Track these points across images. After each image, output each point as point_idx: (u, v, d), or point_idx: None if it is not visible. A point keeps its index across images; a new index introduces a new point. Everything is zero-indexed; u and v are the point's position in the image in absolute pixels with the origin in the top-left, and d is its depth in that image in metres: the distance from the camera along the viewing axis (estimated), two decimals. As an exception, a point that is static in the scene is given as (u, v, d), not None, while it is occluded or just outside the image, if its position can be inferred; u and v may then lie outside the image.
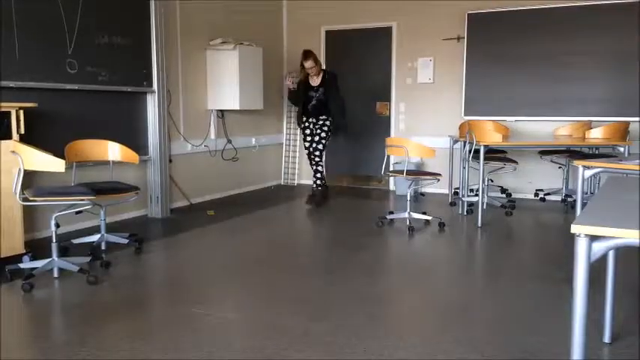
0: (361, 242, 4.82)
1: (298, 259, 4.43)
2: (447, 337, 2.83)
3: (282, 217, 5.94)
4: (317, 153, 6.48)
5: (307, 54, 6.29)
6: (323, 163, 6.64)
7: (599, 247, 1.59)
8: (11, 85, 4.30)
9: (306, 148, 6.66)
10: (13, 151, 3.56)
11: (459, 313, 3.20)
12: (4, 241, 3.88)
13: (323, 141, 6.47)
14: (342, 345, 2.71)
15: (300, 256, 4.55)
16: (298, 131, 8.20)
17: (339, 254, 4.54)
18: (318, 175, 6.58)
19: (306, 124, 6.59)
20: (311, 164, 6.60)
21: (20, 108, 3.93)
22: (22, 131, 3.93)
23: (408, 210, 5.34)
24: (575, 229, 1.56)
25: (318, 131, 6.49)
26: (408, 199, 5.40)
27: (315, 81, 6.43)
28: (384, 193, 7.56)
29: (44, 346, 2.71)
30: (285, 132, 8.27)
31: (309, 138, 6.58)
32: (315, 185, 6.63)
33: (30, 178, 4.24)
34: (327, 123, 6.48)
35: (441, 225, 5.35)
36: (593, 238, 1.58)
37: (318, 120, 6.48)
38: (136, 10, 5.45)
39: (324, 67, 6.86)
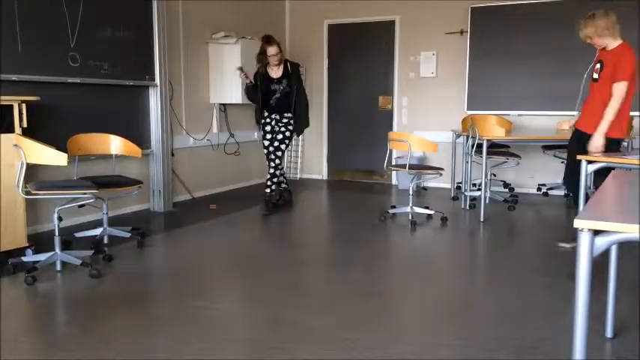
0: (364, 237, 4.82)
1: (301, 253, 4.43)
2: (450, 332, 2.84)
3: (284, 210, 5.93)
4: (279, 154, 5.68)
5: (270, 39, 5.47)
6: (284, 166, 6.12)
7: (601, 242, 1.59)
8: (14, 79, 4.30)
9: (265, 147, 5.81)
10: (16, 145, 3.56)
11: (462, 308, 3.20)
12: (6, 235, 3.89)
13: (287, 141, 5.71)
14: (345, 339, 2.71)
15: (303, 250, 4.55)
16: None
17: (341, 248, 4.55)
18: (276, 179, 5.78)
19: (267, 120, 5.77)
20: (269, 166, 5.76)
21: (23, 101, 3.93)
22: (25, 125, 3.92)
23: (411, 204, 5.34)
24: (578, 223, 1.56)
25: (282, 129, 5.70)
26: (411, 193, 5.39)
27: (276, 72, 5.61)
28: (387, 188, 7.56)
29: (47, 339, 2.72)
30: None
31: (269, 136, 5.78)
32: (269, 191, 5.75)
33: (32, 172, 4.24)
34: (291, 121, 5.77)
35: (444, 219, 5.34)
36: (596, 233, 1.58)
37: (282, 117, 5.71)
38: (139, 3, 5.44)
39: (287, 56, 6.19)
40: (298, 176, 8.22)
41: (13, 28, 4.29)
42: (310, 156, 8.29)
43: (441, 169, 5.46)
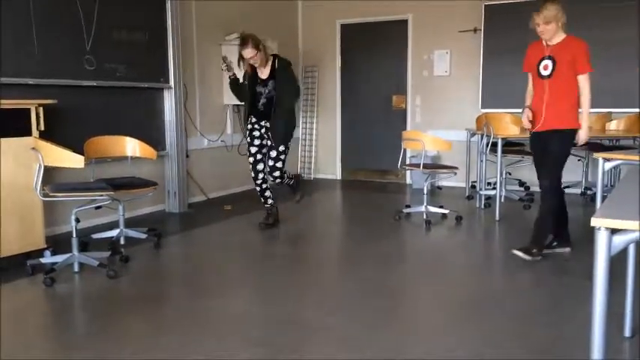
0: (378, 236, 4.82)
1: (315, 253, 4.44)
2: (465, 331, 2.82)
3: (298, 210, 5.94)
4: (276, 174, 4.85)
5: (245, 40, 4.68)
6: (286, 177, 5.01)
7: (619, 241, 1.57)
8: (30, 83, 4.35)
9: (251, 155, 4.95)
10: (34, 148, 3.61)
11: (477, 307, 3.18)
12: (25, 237, 3.94)
13: (282, 156, 4.84)
14: (359, 339, 2.71)
15: (317, 250, 4.56)
16: (314, 126, 8.22)
17: (356, 248, 4.54)
18: (280, 182, 4.97)
19: (256, 126, 4.92)
20: (256, 177, 4.97)
21: (40, 105, 3.98)
22: (42, 128, 3.97)
23: (425, 204, 5.32)
24: (595, 222, 1.55)
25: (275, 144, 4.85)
26: (425, 192, 5.37)
27: (264, 72, 4.83)
28: (401, 187, 7.54)
29: (65, 339, 2.75)
30: (300, 126, 8.27)
31: (257, 142, 4.92)
32: (267, 208, 5.09)
33: (50, 174, 4.29)
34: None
35: (458, 219, 5.32)
36: (614, 232, 1.56)
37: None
38: (153, 6, 5.48)
39: (275, 52, 5.33)
40: (312, 176, 8.22)
41: (29, 32, 4.35)
42: (324, 156, 8.29)
43: (456, 168, 5.43)
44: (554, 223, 4.08)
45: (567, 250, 4.14)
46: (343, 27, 7.97)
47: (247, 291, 3.51)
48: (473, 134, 6.44)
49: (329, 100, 8.16)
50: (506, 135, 5.45)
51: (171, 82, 5.67)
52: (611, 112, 6.35)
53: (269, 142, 4.84)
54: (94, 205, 4.00)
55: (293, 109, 4.93)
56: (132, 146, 4.50)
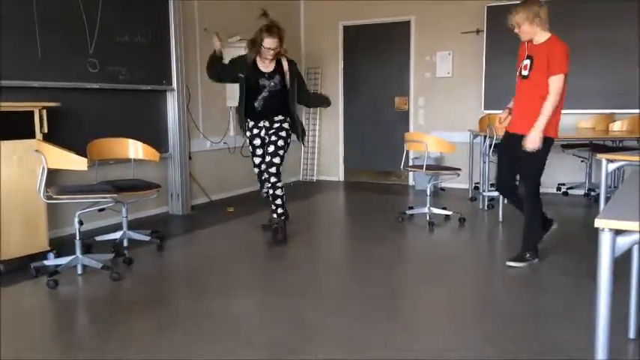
0: (381, 237, 4.81)
1: (318, 254, 4.44)
2: (468, 332, 2.82)
3: (301, 212, 5.94)
4: (273, 170, 4.49)
5: (272, 29, 4.40)
6: (282, 184, 4.62)
7: (623, 242, 1.57)
8: (34, 85, 4.37)
9: (255, 166, 4.73)
10: (37, 150, 3.62)
11: (481, 308, 3.18)
12: (29, 239, 3.95)
13: (281, 152, 4.53)
14: (362, 340, 2.71)
15: (320, 251, 4.55)
16: (317, 127, 8.22)
17: (359, 249, 4.54)
18: (278, 201, 4.59)
19: (255, 131, 4.63)
20: (262, 187, 4.80)
21: (43, 107, 3.99)
22: (46, 130, 3.98)
23: (428, 205, 5.32)
24: (599, 223, 1.54)
25: (274, 138, 4.52)
26: (428, 194, 5.37)
27: (267, 65, 4.54)
28: (404, 188, 7.53)
29: (69, 341, 2.75)
30: (303, 128, 8.27)
31: (259, 151, 4.66)
32: (276, 216, 4.64)
33: (53, 177, 4.30)
34: (286, 126, 4.60)
35: (462, 220, 5.31)
36: (618, 233, 1.56)
37: (273, 122, 4.55)
38: (155, 8, 5.49)
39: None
40: (315, 178, 8.22)
41: (32, 35, 4.36)
42: (326, 158, 8.29)
43: (459, 169, 5.42)
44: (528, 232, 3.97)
45: (535, 261, 3.93)
46: (346, 28, 7.98)
47: (250, 292, 3.51)
48: (476, 135, 6.43)
49: (331, 102, 8.14)
50: (509, 136, 5.44)
51: (174, 85, 5.68)
52: (614, 113, 6.34)
53: (266, 140, 4.59)
54: (97, 208, 4.01)
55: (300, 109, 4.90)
56: (135, 148, 4.50)
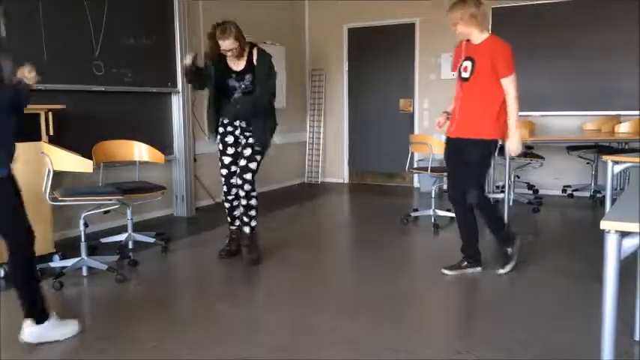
0: (386, 239, 4.81)
1: (323, 256, 4.44)
2: (474, 334, 2.81)
3: (306, 215, 5.94)
4: (248, 177, 3.97)
5: (225, 29, 3.89)
6: (256, 194, 4.09)
7: (629, 244, 1.56)
8: (40, 88, 4.37)
9: (224, 166, 4.11)
10: (43, 152, 3.63)
11: (486, 310, 3.17)
12: (35, 241, 3.95)
13: (258, 157, 4.02)
14: (368, 343, 2.71)
15: (325, 253, 4.55)
16: (321, 129, 8.22)
17: (364, 251, 4.54)
18: (252, 212, 4.07)
19: (229, 128, 4.08)
20: (228, 193, 4.14)
21: (49, 110, 4.01)
22: (51, 132, 4.00)
23: (433, 207, 5.30)
24: (604, 225, 1.54)
25: (252, 141, 4.01)
26: (433, 196, 5.36)
27: (238, 64, 4.02)
28: (408, 190, 7.52)
29: (74, 343, 2.76)
30: (308, 130, 8.28)
31: (230, 150, 4.08)
32: (248, 230, 4.11)
33: (59, 179, 4.32)
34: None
35: (467, 222, 5.29)
36: (624, 235, 1.55)
37: (248, 124, 4.03)
38: (160, 10, 5.51)
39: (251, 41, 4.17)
40: (319, 180, 8.22)
41: (38, 37, 4.38)
42: (331, 160, 8.29)
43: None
44: (466, 240, 3.84)
45: (478, 269, 3.81)
46: (350, 31, 7.98)
47: (256, 295, 3.51)
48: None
49: (336, 104, 8.16)
50: (515, 138, 5.42)
51: (179, 87, 5.70)
52: (620, 115, 6.32)
53: (243, 142, 4.06)
54: (102, 210, 4.02)
55: (274, 108, 4.14)
56: (140, 150, 4.52)
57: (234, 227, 4.26)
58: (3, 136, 2.62)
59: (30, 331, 2.68)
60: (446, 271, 3.79)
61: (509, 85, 3.51)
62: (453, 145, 3.73)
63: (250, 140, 4.01)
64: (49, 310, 2.74)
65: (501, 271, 3.75)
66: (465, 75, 3.61)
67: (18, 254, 2.67)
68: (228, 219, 4.23)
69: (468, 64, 3.60)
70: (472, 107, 3.59)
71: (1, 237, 2.70)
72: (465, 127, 3.62)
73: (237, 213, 4.18)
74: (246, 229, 4.10)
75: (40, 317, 2.70)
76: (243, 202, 4.03)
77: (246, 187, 3.99)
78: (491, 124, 3.56)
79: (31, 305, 2.69)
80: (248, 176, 3.98)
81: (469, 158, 3.60)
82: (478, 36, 3.57)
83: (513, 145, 3.61)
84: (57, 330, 2.75)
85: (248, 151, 4.01)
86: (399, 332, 2.84)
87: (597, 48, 6.48)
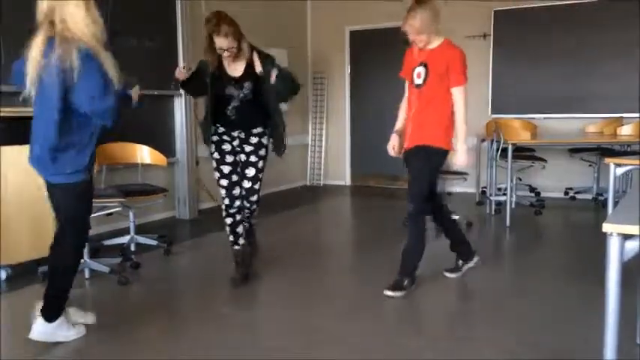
0: (387, 242, 4.80)
1: (324, 259, 4.44)
2: (477, 337, 2.81)
3: (308, 217, 5.95)
4: (254, 198, 3.70)
5: (220, 22, 3.44)
6: (257, 212, 3.86)
7: (632, 246, 1.56)
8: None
9: (223, 176, 3.69)
10: (46, 155, 3.64)
11: (489, 313, 3.16)
12: (37, 244, 3.97)
13: (261, 175, 3.71)
14: (369, 345, 2.71)
15: (326, 256, 4.55)
16: (323, 132, 8.23)
17: (365, 254, 4.53)
18: (250, 232, 3.89)
19: (225, 137, 3.68)
20: (229, 209, 3.70)
21: (52, 112, 4.01)
22: (54, 135, 4.01)
23: (435, 210, 5.29)
24: (607, 227, 1.54)
25: (253, 159, 3.66)
26: (435, 198, 5.35)
27: (235, 68, 3.58)
28: (411, 193, 7.51)
29: (76, 345, 2.76)
30: (310, 133, 8.29)
31: (229, 158, 3.68)
32: (240, 246, 3.76)
33: (61, 181, 4.32)
34: (265, 141, 3.69)
35: (469, 224, 5.29)
36: (626, 237, 1.55)
37: (250, 136, 3.64)
38: (163, 13, 5.53)
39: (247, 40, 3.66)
40: (321, 182, 8.23)
41: (42, 41, 4.39)
42: (333, 162, 8.30)
43: (466, 173, 5.41)
44: (451, 239, 3.76)
45: (475, 260, 3.78)
46: (352, 33, 7.99)
47: (257, 297, 3.51)
48: (483, 140, 6.41)
49: (338, 106, 8.17)
50: (517, 140, 5.43)
51: (182, 89, 5.69)
52: (622, 117, 6.31)
53: (243, 158, 3.66)
54: (105, 212, 4.03)
55: (281, 110, 3.78)
56: (142, 153, 4.53)
57: (237, 247, 3.76)
58: (85, 142, 2.68)
59: (38, 329, 2.70)
60: (448, 274, 3.78)
61: (459, 94, 3.32)
62: (408, 154, 3.55)
63: (253, 158, 3.64)
64: (62, 312, 2.76)
65: (388, 293, 3.38)
66: (419, 81, 3.38)
67: (64, 255, 2.76)
68: (231, 238, 3.74)
69: (421, 70, 3.38)
70: (425, 115, 3.38)
71: (61, 236, 2.79)
72: (417, 136, 3.41)
73: (240, 230, 3.74)
74: (243, 243, 3.76)
75: (51, 316, 2.72)
76: (247, 222, 3.81)
77: (254, 207, 3.76)
78: (441, 133, 3.36)
79: (50, 304, 2.72)
80: (254, 198, 3.72)
81: (416, 165, 3.43)
82: (434, 40, 3.37)
83: (462, 157, 3.39)
84: (64, 331, 2.76)
85: (252, 172, 3.65)
86: (402, 334, 2.84)
87: (599, 50, 6.48)
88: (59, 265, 2.76)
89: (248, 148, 3.65)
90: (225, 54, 3.48)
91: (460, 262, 3.82)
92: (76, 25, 2.52)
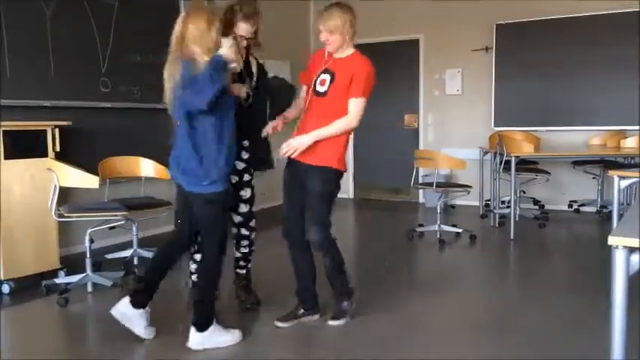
0: (392, 255, 4.79)
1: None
2: (483, 350, 2.78)
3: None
4: (252, 224, 3.49)
5: (251, 11, 3.30)
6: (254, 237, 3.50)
7: (637, 259, 1.55)
8: (46, 104, 4.42)
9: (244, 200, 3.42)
10: (49, 169, 3.65)
11: (494, 326, 3.14)
12: (40, 257, 3.97)
13: (254, 198, 3.49)
14: (376, 354, 2.69)
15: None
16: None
17: (369, 267, 4.51)
18: (250, 257, 3.55)
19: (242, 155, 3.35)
20: (239, 234, 3.47)
21: (55, 126, 4.04)
22: (58, 149, 4.02)
23: (438, 222, 5.29)
24: (612, 240, 1.53)
25: (246, 177, 3.38)
26: (438, 211, 5.34)
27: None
28: (414, 206, 7.50)
29: (80, 359, 2.75)
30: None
31: (247, 177, 3.39)
32: (244, 271, 3.57)
33: (65, 195, 4.32)
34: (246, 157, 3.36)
35: (472, 238, 5.27)
36: (632, 250, 1.54)
37: (240, 147, 3.25)
38: (166, 28, 5.53)
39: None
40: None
41: (46, 54, 4.43)
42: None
43: (469, 186, 5.40)
44: (302, 282, 3.23)
45: (315, 317, 3.21)
46: (355, 47, 8.00)
47: (261, 310, 3.49)
48: (486, 152, 6.41)
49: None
50: (520, 153, 5.43)
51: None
52: (626, 130, 6.31)
53: (235, 179, 3.30)
54: (108, 226, 4.03)
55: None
56: (146, 166, 4.53)
57: (243, 272, 3.59)
58: (213, 152, 2.90)
59: (194, 339, 2.80)
60: (279, 323, 3.14)
61: (356, 105, 3.06)
62: (293, 170, 3.12)
63: (246, 175, 3.34)
64: (213, 321, 2.85)
65: (332, 322, 3.14)
66: (322, 89, 3.05)
67: (207, 265, 2.92)
68: (240, 263, 3.54)
69: (326, 77, 3.07)
70: (322, 126, 3.01)
71: (202, 245, 3.01)
72: (310, 151, 2.99)
73: (242, 262, 3.54)
74: (243, 271, 3.57)
75: (202, 325, 2.82)
76: (247, 250, 3.51)
77: (253, 235, 3.49)
78: (339, 151, 3.06)
79: (198, 313, 2.84)
80: (252, 223, 3.46)
81: (313, 188, 3.02)
82: (347, 50, 3.15)
83: (301, 140, 2.96)
84: (219, 337, 2.85)
85: (247, 193, 3.36)
86: (407, 349, 2.81)
87: (601, 63, 6.49)
88: (203, 276, 2.96)
89: (240, 163, 3.27)
90: (244, 43, 3.24)
91: (301, 311, 3.22)
92: None
